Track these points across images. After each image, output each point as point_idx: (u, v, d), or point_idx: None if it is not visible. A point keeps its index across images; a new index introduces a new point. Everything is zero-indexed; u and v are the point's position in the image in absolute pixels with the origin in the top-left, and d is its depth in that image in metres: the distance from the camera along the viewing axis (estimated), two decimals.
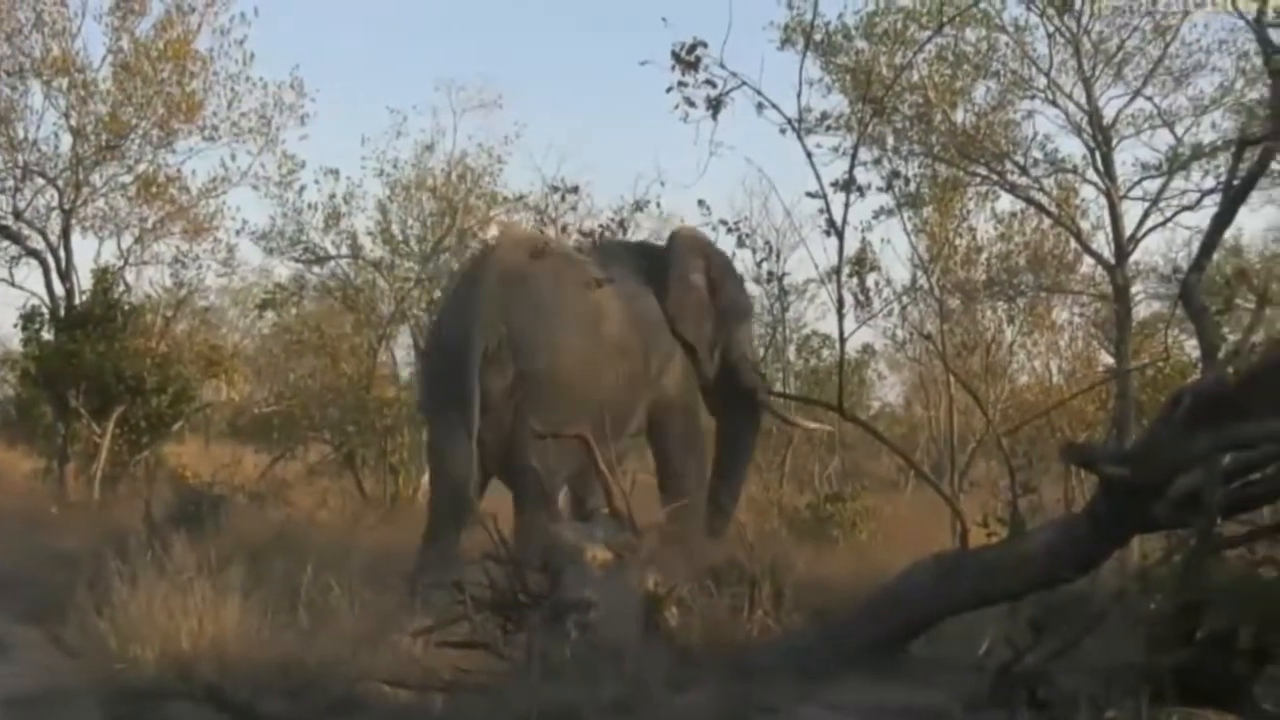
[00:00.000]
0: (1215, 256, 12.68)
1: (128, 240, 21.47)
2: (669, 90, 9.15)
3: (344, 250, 21.18)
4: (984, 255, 20.92)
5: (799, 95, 9.60)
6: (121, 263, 21.40)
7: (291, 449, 21.59)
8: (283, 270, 22.46)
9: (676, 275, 14.79)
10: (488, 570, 8.52)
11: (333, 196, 20.76)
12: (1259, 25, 8.27)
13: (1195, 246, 9.49)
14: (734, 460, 15.61)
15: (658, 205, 19.05)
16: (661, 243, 15.56)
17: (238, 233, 21.22)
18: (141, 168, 20.80)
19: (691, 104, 9.15)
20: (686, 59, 9.00)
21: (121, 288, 21.21)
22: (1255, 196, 18.65)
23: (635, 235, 19.05)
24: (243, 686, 7.81)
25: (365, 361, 20.59)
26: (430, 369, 14.39)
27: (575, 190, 19.28)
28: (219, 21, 19.95)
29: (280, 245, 21.24)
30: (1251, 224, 29.35)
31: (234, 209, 21.43)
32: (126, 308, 20.71)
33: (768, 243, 16.00)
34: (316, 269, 21.52)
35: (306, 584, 9.81)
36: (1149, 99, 18.00)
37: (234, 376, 22.42)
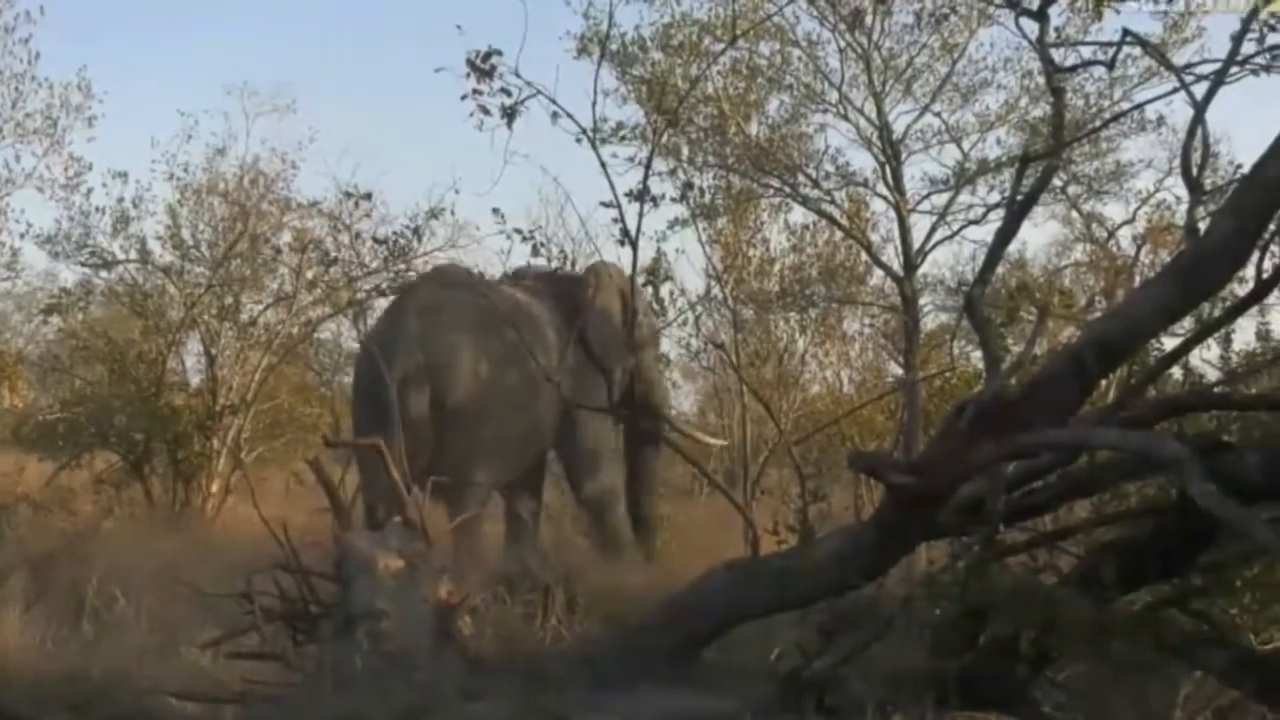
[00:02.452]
0: (999, 270, 13.00)
1: None
2: (464, 98, 9.12)
3: (133, 255, 20.61)
4: (777, 266, 21.14)
5: (594, 105, 9.63)
6: None
7: (77, 457, 21.01)
8: (69, 275, 21.77)
9: (597, 306, 15.69)
10: (278, 580, 8.41)
11: (121, 200, 20.16)
12: (1041, 45, 8.46)
13: (981, 260, 9.70)
14: (645, 475, 16.65)
15: (453, 213, 19.20)
16: (577, 273, 16.41)
17: (22, 236, 20.50)
18: None
19: (486, 112, 9.14)
20: (481, 67, 8.99)
21: None
22: (1038, 211, 19.32)
23: (432, 242, 19.18)
24: (25, 699, 7.63)
25: (154, 369, 20.14)
26: (356, 396, 15.11)
27: (369, 197, 19.31)
28: (2, 19, 19.38)
29: (66, 249, 20.56)
30: (1035, 238, 30.16)
31: (18, 211, 20.69)
32: None
33: (563, 252, 16.12)
34: (104, 274, 20.89)
35: (91, 595, 9.63)
36: (937, 115, 18.40)
37: (17, 383, 21.75)
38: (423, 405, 13.71)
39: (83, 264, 20.77)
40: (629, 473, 16.55)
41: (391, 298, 17.64)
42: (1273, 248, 6.20)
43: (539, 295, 15.41)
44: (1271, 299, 6.87)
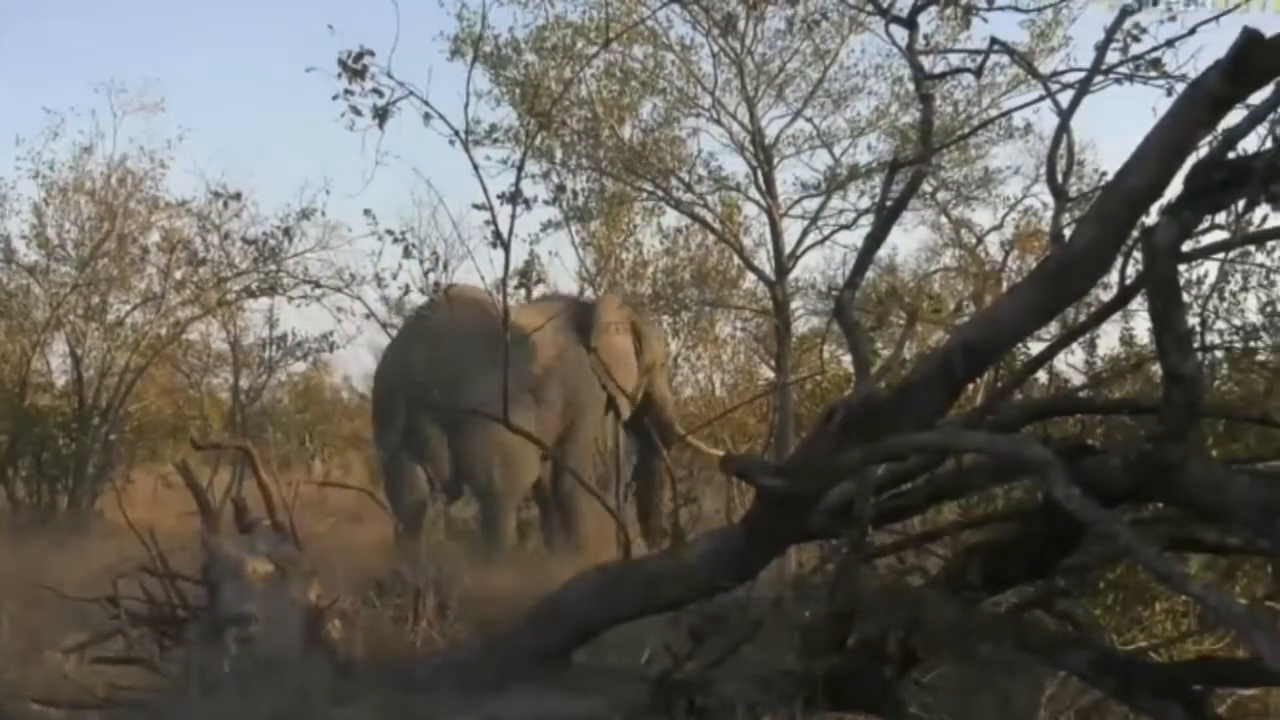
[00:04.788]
0: (870, 274, 13.09)
1: None
2: (335, 98, 9.03)
3: None
4: (650, 269, 21.29)
5: (466, 107, 9.55)
6: None
7: None
8: None
9: (602, 332, 16.75)
10: (144, 584, 8.29)
11: None
12: (911, 52, 8.53)
13: (851, 264, 9.79)
14: (653, 483, 17.51)
15: (324, 213, 19.17)
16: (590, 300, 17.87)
17: None
18: None
19: (358, 113, 9.03)
20: (353, 67, 8.89)
21: None
22: (908, 216, 19.55)
23: (303, 243, 19.17)
24: None
25: (18, 369, 19.81)
26: (374, 411, 16.72)
27: (238, 197, 19.19)
28: None
29: None
30: (905, 243, 30.52)
31: None
32: None
33: (435, 253, 16.07)
34: None
35: None
36: (809, 120, 18.58)
37: None
38: (434, 423, 15.16)
39: None
40: (642, 481, 17.66)
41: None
42: (1135, 254, 6.28)
43: (553, 319, 15.92)
44: (1135, 304, 6.96)
